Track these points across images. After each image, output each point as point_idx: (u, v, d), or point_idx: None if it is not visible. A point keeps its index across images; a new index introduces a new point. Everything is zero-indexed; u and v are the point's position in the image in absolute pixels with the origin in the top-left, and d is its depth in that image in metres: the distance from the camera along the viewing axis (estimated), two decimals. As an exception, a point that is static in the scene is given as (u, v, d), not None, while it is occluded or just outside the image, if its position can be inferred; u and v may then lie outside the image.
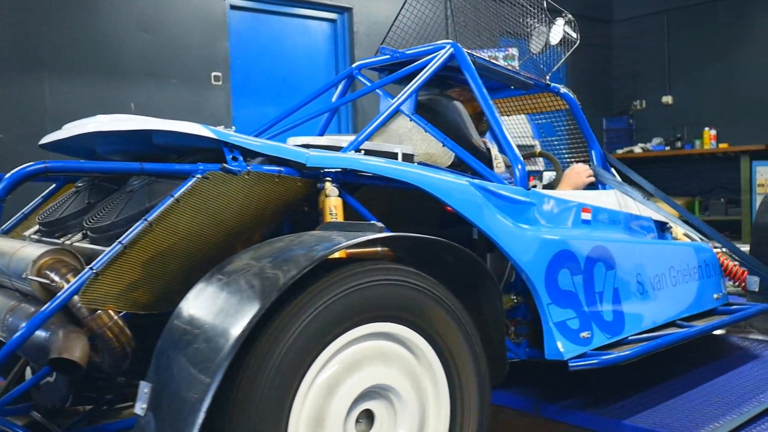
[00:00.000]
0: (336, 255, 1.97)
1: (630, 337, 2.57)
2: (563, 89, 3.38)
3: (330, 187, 2.04)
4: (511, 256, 2.26)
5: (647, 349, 2.45)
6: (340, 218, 2.02)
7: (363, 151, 2.32)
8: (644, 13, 9.12)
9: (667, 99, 8.90)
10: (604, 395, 2.65)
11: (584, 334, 2.38)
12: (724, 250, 3.76)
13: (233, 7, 5.95)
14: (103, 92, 5.22)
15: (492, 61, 3.06)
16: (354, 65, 3.26)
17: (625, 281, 2.64)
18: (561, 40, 3.65)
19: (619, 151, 8.83)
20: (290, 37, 6.32)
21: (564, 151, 4.03)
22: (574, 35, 3.65)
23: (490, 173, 2.56)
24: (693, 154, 8.36)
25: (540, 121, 4.22)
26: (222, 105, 5.77)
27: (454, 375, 1.74)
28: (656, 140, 8.76)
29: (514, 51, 7.38)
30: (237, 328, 1.39)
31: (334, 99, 3.30)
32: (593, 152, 3.43)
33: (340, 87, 3.28)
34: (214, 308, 1.50)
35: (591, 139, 3.43)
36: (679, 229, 3.76)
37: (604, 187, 3.34)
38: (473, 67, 2.72)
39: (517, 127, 4.23)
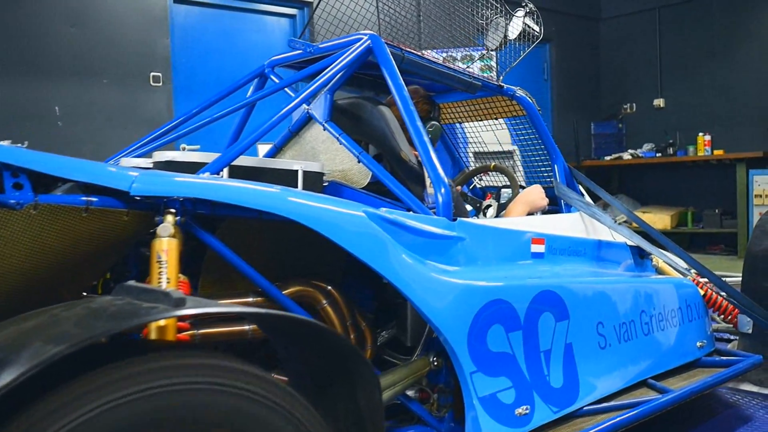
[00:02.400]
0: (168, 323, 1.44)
1: (586, 407, 2.03)
2: (519, 92, 2.84)
3: (166, 224, 1.50)
4: (422, 310, 1.72)
5: (604, 432, 1.90)
6: (172, 268, 1.48)
7: (223, 174, 1.78)
8: (634, 11, 8.58)
9: (659, 102, 8.36)
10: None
11: (521, 410, 1.83)
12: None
13: (177, 0, 5.39)
14: (23, 93, 4.67)
15: (441, 63, 2.54)
16: (267, 62, 2.74)
17: (582, 334, 2.10)
18: (521, 35, 3.11)
19: (608, 158, 8.28)
20: (243, 34, 5.77)
21: (540, 164, 3.44)
22: (537, 29, 3.10)
23: (409, 197, 2.02)
24: (686, 162, 7.81)
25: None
26: (162, 108, 5.21)
27: None
28: (647, 146, 8.21)
29: (491, 50, 6.85)
30: None
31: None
32: (556, 166, 2.89)
33: (252, 88, 2.76)
34: None
35: (553, 151, 2.89)
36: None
37: (568, 210, 2.81)
38: (393, 63, 2.19)
39: (491, 133, 3.66)
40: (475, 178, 3.47)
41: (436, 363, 1.90)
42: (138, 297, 1.21)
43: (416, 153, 2.43)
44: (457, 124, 3.59)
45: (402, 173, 2.35)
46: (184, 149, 2.20)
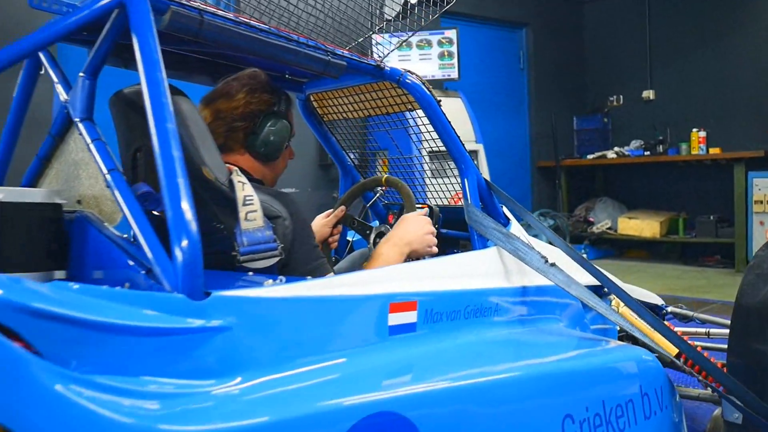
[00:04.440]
0: None
1: None
2: (411, 77, 2.00)
3: None
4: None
5: None
6: None
7: None
8: (621, -8, 7.74)
9: (649, 94, 7.49)
10: None
11: None
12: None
13: (67, -27, 4.55)
14: None
15: (274, 31, 1.72)
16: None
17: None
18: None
19: (590, 156, 7.43)
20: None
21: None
22: (447, -10, 2.26)
23: (154, 249, 1.19)
24: (678, 161, 6.93)
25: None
26: (42, 101, 4.36)
27: None
28: (635, 143, 7.35)
29: (451, 34, 5.99)
30: None
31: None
32: (466, 181, 2.06)
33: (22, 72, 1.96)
34: None
35: (461, 159, 2.06)
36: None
37: (483, 244, 1.99)
38: (152, 28, 1.35)
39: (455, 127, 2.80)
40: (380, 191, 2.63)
41: None
42: None
43: (231, 168, 1.59)
44: (407, 114, 2.71)
45: (207, 197, 1.53)
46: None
